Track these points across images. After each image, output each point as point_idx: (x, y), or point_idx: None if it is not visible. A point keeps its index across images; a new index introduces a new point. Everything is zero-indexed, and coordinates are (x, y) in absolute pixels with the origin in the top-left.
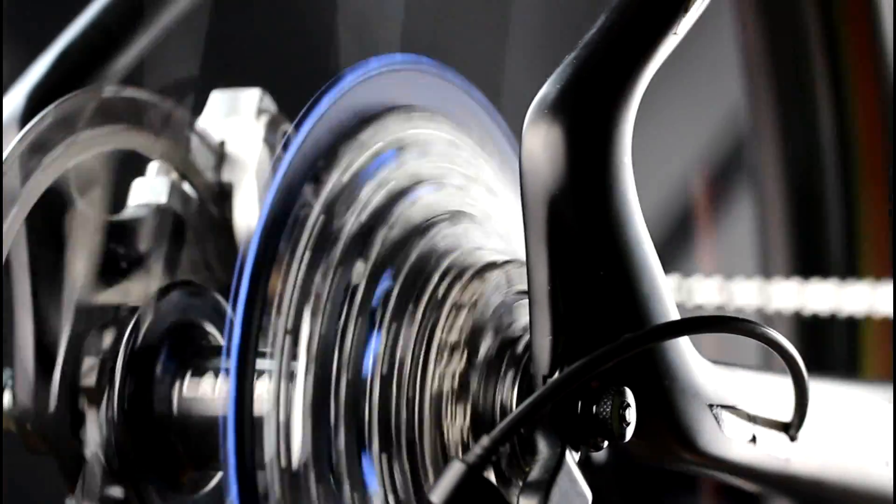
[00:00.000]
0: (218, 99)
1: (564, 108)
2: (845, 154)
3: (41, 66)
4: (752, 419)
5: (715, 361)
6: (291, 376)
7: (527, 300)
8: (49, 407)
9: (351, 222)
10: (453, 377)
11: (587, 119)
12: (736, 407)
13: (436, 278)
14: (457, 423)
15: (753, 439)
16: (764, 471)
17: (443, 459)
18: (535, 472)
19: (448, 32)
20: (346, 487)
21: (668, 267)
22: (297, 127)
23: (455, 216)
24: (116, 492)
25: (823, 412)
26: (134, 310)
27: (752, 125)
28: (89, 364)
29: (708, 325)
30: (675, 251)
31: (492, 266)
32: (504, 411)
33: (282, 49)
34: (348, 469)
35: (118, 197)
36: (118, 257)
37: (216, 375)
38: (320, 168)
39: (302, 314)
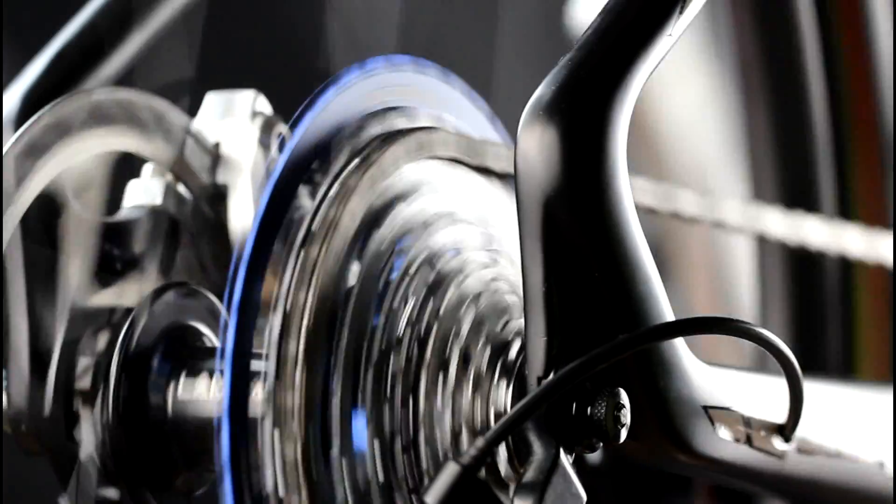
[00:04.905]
0: (213, 101)
1: (560, 110)
2: (840, 151)
3: (36, 68)
4: (747, 421)
5: (710, 363)
6: (287, 378)
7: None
8: (44, 408)
9: (347, 223)
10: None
11: (582, 120)
12: (730, 408)
13: (434, 277)
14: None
15: (748, 440)
16: (758, 472)
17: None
18: (529, 473)
19: (445, 34)
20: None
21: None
22: (292, 128)
23: (455, 218)
24: (111, 493)
25: (818, 413)
26: (128, 311)
27: (747, 127)
28: (84, 366)
29: (702, 326)
30: (666, 254)
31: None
32: (498, 412)
33: (277, 50)
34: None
35: (113, 198)
36: (113, 259)
37: (211, 377)
38: (315, 170)
39: (297, 316)
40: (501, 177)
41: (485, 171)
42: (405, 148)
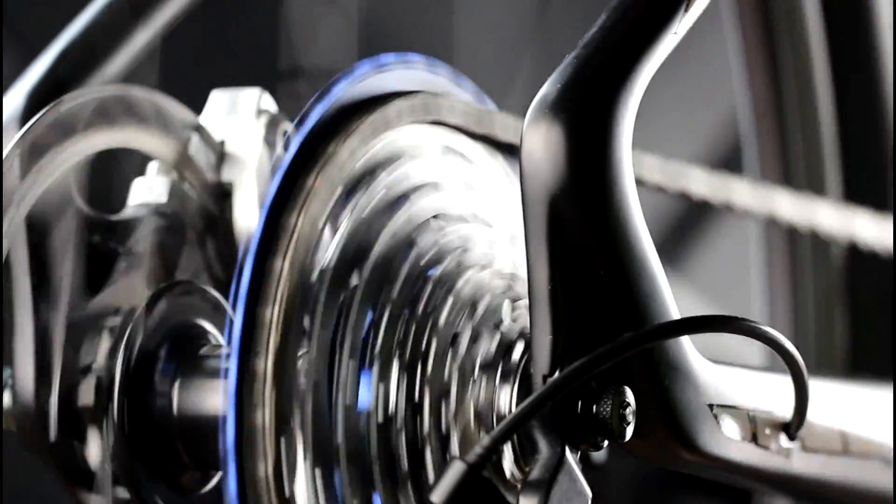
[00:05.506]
0: (218, 98)
1: (565, 108)
2: (846, 151)
3: (41, 66)
4: (752, 419)
5: (715, 361)
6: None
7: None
8: (49, 406)
9: (348, 223)
10: (456, 366)
11: (587, 118)
12: (736, 406)
13: (436, 274)
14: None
15: (753, 439)
16: (763, 470)
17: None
18: (535, 472)
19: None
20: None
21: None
22: (297, 126)
23: (453, 217)
24: (117, 492)
25: (823, 411)
26: (134, 310)
27: (752, 125)
28: (89, 364)
29: (708, 324)
30: (671, 252)
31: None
32: (504, 411)
33: (282, 49)
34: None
35: (118, 196)
36: (118, 257)
37: (216, 376)
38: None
39: (302, 314)
40: (505, 147)
41: (489, 141)
42: (406, 106)
